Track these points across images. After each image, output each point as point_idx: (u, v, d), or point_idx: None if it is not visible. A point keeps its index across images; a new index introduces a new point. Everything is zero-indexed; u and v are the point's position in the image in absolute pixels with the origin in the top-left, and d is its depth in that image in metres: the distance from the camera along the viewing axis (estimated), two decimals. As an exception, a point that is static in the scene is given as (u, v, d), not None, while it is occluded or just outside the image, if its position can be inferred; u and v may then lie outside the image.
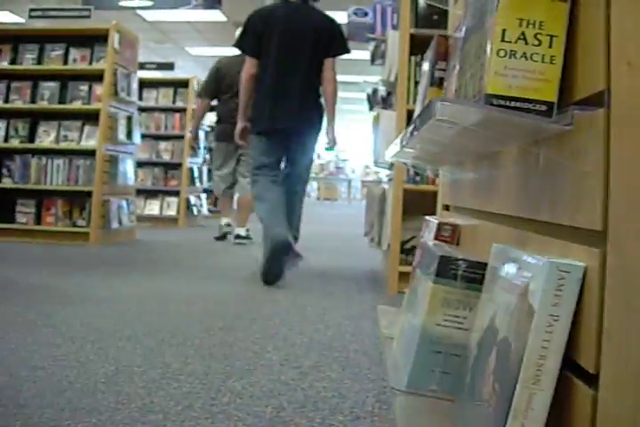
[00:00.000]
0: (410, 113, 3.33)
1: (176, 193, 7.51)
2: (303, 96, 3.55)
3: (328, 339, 2.37)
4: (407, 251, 3.49)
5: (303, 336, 2.39)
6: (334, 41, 3.62)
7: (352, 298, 3.21)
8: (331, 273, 4.07)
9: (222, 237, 6.08)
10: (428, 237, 1.34)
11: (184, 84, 7.63)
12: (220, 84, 5.45)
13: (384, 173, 4.83)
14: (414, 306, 1.03)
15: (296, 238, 3.76)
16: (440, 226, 1.30)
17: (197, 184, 7.85)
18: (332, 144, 3.90)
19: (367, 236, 4.30)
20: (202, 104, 5.59)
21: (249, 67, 3.51)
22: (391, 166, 3.56)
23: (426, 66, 1.40)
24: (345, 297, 3.24)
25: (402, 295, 3.37)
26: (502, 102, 0.66)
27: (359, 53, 11.04)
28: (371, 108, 4.95)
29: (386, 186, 4.13)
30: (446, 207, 1.61)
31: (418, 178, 3.44)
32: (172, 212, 7.52)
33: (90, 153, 5.22)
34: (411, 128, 0.94)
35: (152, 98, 7.70)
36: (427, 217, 1.46)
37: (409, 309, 1.09)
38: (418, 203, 3.46)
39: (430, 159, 1.32)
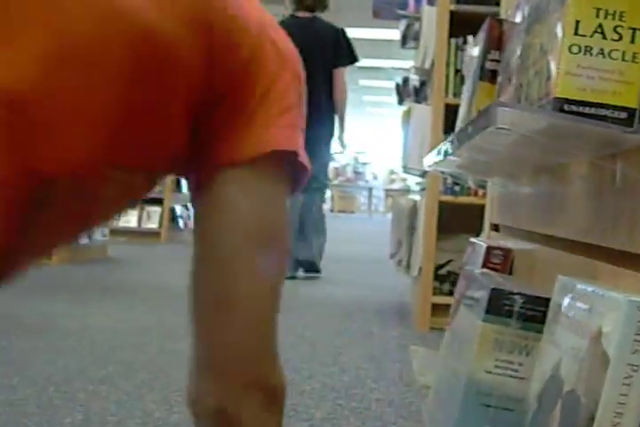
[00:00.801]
0: (448, 108, 3.35)
1: (158, 201, 7.53)
2: (316, 105, 3.97)
3: (344, 385, 2.38)
4: (442, 278, 3.50)
5: (314, 381, 2.40)
6: (340, 52, 4.45)
7: (373, 335, 3.23)
8: (347, 304, 4.08)
9: None
10: (473, 264, 1.36)
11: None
12: None
13: (413, 181, 4.84)
14: (457, 348, 1.04)
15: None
16: (489, 250, 1.31)
17: (185, 190, 7.89)
18: (341, 143, 4.68)
19: (393, 258, 4.31)
20: None
21: None
22: (424, 173, 3.58)
23: (472, 51, 1.41)
24: (364, 334, 3.25)
25: (434, 333, 3.38)
26: (574, 108, 0.67)
27: (386, 33, 11.11)
28: (400, 102, 4.97)
29: (417, 197, 4.15)
30: (495, 227, 1.62)
31: (457, 188, 3.46)
32: (152, 224, 7.54)
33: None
34: (457, 134, 0.96)
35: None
36: (472, 239, 1.47)
37: (450, 351, 1.11)
38: (456, 219, 3.47)
39: (477, 169, 1.34)
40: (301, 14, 4.62)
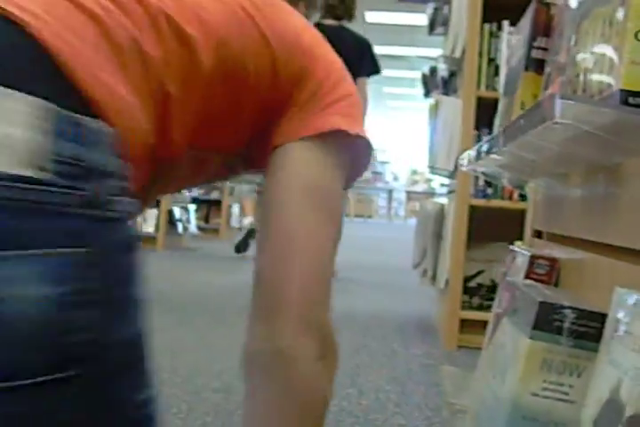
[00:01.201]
0: (480, 101, 3.36)
1: (155, 203, 7.56)
2: None
3: (363, 409, 2.38)
4: (472, 290, 3.51)
5: (330, 404, 2.39)
6: (363, 62, 4.86)
7: (395, 353, 3.22)
8: (365, 318, 4.09)
9: (245, 243, 6.31)
10: (514, 275, 1.35)
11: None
12: None
13: (438, 182, 4.84)
14: (499, 368, 1.04)
15: None
16: (533, 260, 1.31)
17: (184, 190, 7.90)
18: None
19: (417, 268, 4.31)
20: None
21: None
22: (452, 174, 3.58)
23: (511, 39, 1.41)
24: (385, 352, 3.25)
25: (463, 351, 3.37)
26: (640, 101, 0.67)
27: (411, 18, 11.13)
28: (427, 94, 4.98)
29: (444, 200, 4.14)
30: (538, 234, 1.62)
31: (489, 190, 3.46)
32: (148, 228, 7.55)
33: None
34: (505, 130, 0.96)
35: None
36: (512, 247, 1.47)
37: (490, 372, 1.10)
38: (488, 225, 3.48)
39: (520, 169, 1.34)
40: (328, 22, 5.03)
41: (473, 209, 3.41)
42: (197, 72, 0.98)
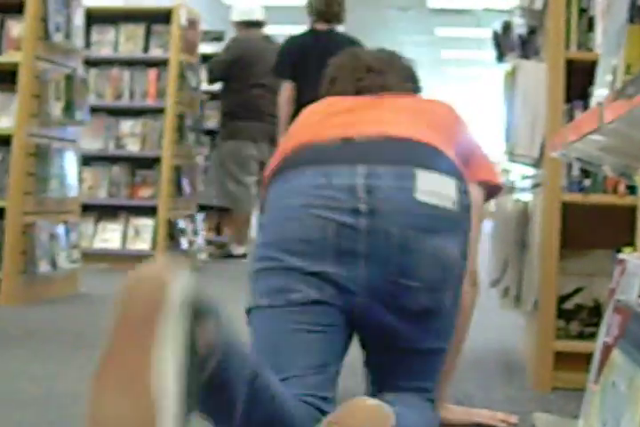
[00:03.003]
0: (571, 65, 3.34)
1: (150, 211, 7.59)
2: None
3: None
4: (569, 314, 3.50)
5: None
6: None
7: (471, 398, 3.21)
8: None
9: None
10: (627, 292, 1.33)
11: (163, 16, 7.76)
12: (251, 67, 8.10)
13: (519, 173, 4.81)
14: (612, 413, 1.02)
15: None
16: None
17: (189, 193, 7.91)
18: None
19: (495, 286, 4.29)
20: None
21: (287, 90, 6.55)
22: (539, 162, 3.56)
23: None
24: (457, 397, 3.22)
25: (558, 394, 3.38)
26: None
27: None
28: (500, 58, 4.95)
29: (527, 197, 4.11)
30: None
31: (587, 182, 3.42)
32: (143, 244, 7.59)
33: (1, 141, 5.32)
34: (603, 100, 0.93)
35: (108, 43, 7.84)
36: (622, 255, 1.45)
37: (600, 418, 1.08)
38: (588, 227, 3.46)
39: (628, 151, 1.32)
40: (320, 26, 6.75)
41: (566, 207, 3.40)
42: None
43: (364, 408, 1.96)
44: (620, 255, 1.48)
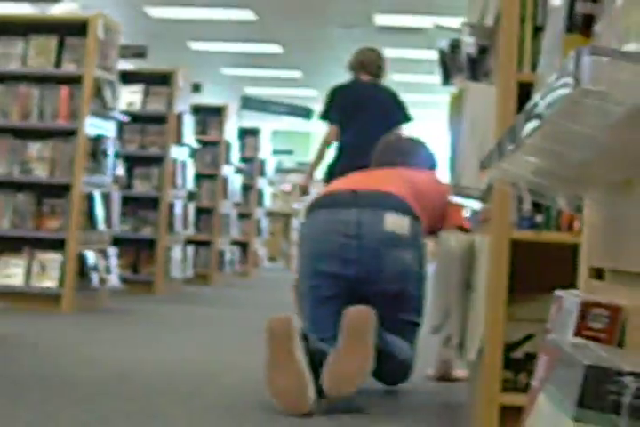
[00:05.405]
0: (524, 88, 3.38)
1: (59, 244, 7.59)
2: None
3: None
4: (518, 364, 3.55)
5: None
6: (398, 112, 8.35)
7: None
8: (372, 406, 4.25)
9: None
10: (561, 331, 1.32)
11: (78, 27, 7.76)
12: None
13: (469, 207, 4.87)
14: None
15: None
16: (586, 309, 1.28)
17: (100, 226, 7.91)
18: None
19: (437, 333, 4.31)
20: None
21: (331, 134, 8.15)
22: (486, 195, 3.58)
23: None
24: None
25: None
26: None
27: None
28: (446, 80, 5.00)
29: (475, 236, 4.14)
30: (597, 273, 1.59)
31: (539, 218, 3.45)
32: (49, 281, 7.62)
33: None
34: (525, 113, 0.92)
35: (15, 56, 7.84)
36: (558, 292, 1.44)
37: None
38: (539, 269, 3.48)
39: (565, 176, 1.30)
40: (364, 78, 8.38)
41: (516, 245, 3.49)
42: None
43: (352, 309, 4.02)
44: (557, 292, 1.49)
